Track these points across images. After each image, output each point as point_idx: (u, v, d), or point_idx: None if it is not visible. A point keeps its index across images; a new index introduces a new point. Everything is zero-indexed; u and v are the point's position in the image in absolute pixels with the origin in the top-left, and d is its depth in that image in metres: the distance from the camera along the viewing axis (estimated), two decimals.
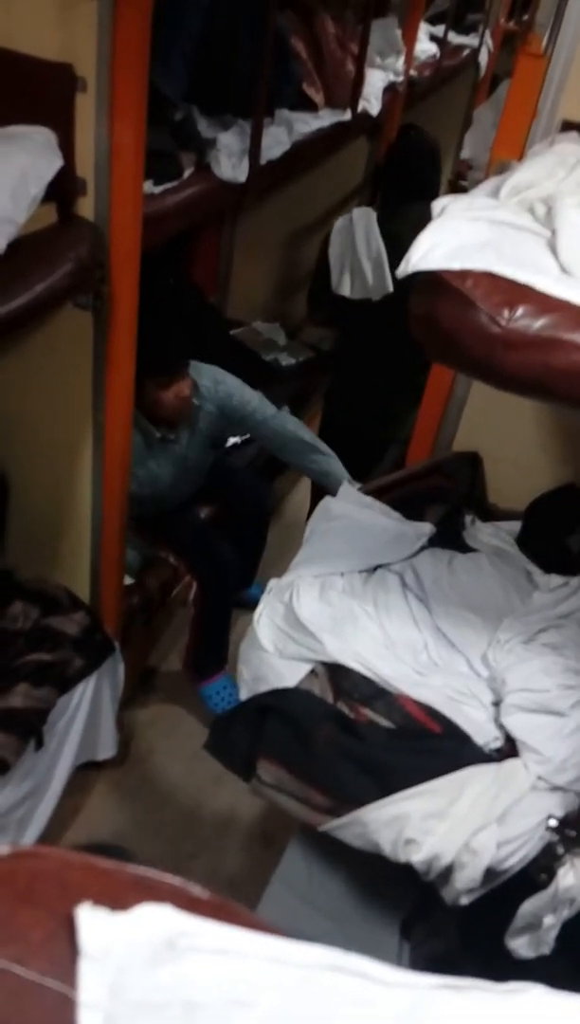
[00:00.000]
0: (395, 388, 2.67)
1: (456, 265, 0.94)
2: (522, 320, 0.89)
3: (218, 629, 2.63)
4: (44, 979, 0.31)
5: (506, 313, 0.90)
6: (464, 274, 0.93)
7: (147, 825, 2.33)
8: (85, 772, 2.24)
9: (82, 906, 0.34)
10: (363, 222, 2.61)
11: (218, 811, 2.38)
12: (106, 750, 2.22)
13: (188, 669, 2.65)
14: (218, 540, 2.63)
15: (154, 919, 0.34)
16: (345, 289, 2.68)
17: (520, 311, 0.90)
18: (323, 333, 4.01)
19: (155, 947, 0.33)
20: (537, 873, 1.24)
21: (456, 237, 0.98)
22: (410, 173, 2.67)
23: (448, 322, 0.93)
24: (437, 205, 1.09)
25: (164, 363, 2.22)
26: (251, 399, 2.43)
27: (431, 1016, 0.37)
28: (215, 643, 2.63)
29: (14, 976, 0.32)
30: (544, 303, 0.91)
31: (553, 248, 1.01)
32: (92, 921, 0.33)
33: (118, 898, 0.35)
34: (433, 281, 0.95)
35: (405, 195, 2.62)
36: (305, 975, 0.36)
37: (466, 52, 4.73)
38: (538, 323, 0.89)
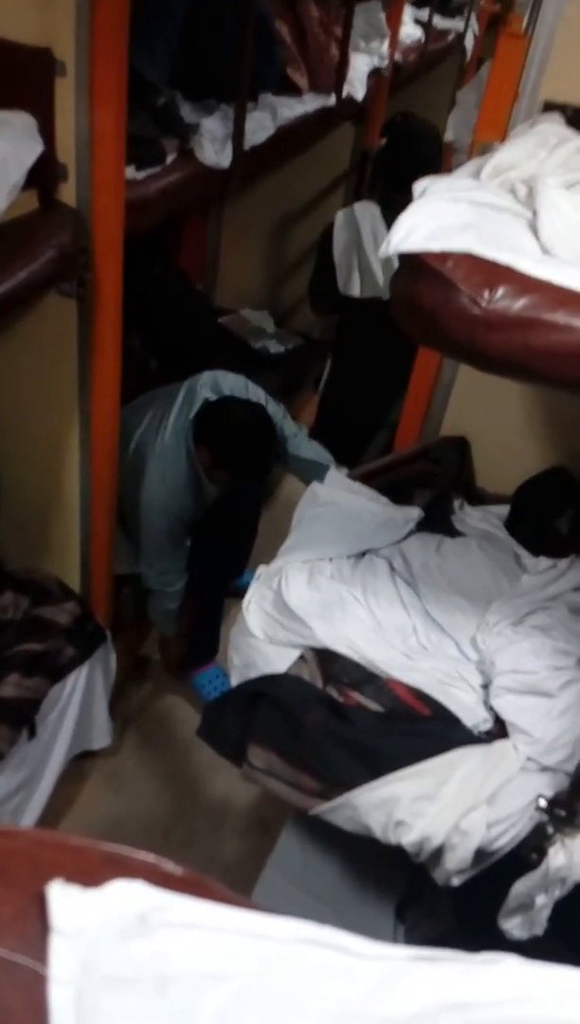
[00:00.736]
0: (398, 375, 2.65)
1: (436, 246, 0.94)
2: (502, 301, 0.89)
3: (210, 620, 2.63)
4: (14, 956, 0.31)
5: (486, 294, 0.89)
6: (444, 255, 0.93)
7: (142, 813, 2.33)
8: (79, 761, 2.24)
9: (53, 883, 0.34)
10: (368, 218, 2.54)
11: (213, 798, 2.39)
12: (100, 740, 2.22)
13: (181, 659, 2.65)
14: (209, 530, 2.63)
15: (126, 894, 0.34)
16: (354, 290, 2.59)
17: (500, 292, 0.89)
18: (313, 321, 4.00)
19: (127, 922, 0.33)
20: (528, 853, 1.25)
21: (437, 218, 0.98)
22: (413, 160, 2.53)
23: (429, 304, 0.93)
24: (418, 186, 1.09)
25: (240, 471, 2.25)
26: (275, 412, 2.39)
27: (407, 987, 0.37)
28: (207, 633, 2.63)
29: None
30: (524, 284, 0.90)
31: (534, 229, 1.01)
32: (63, 897, 0.33)
33: (91, 875, 0.35)
34: (413, 263, 0.95)
35: (409, 183, 2.53)
36: (280, 948, 0.36)
37: (452, 36, 4.71)
38: (518, 304, 0.89)
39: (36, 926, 0.32)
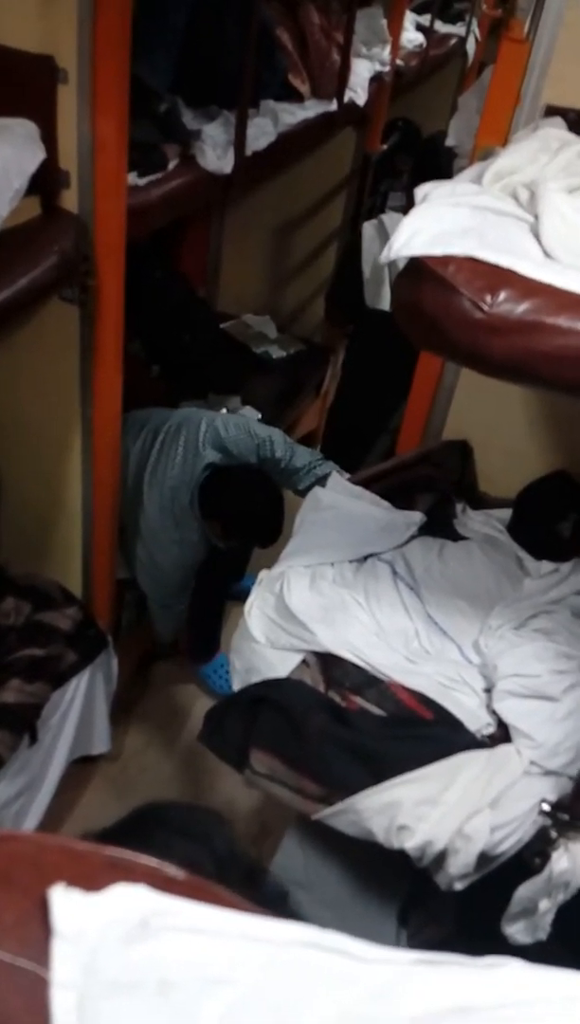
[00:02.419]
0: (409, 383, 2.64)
1: (438, 251, 0.94)
2: (505, 305, 0.89)
3: (212, 622, 2.64)
4: (17, 960, 0.32)
5: (489, 298, 0.89)
6: (446, 260, 0.93)
7: None
8: (81, 766, 2.23)
9: (56, 887, 0.34)
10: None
11: (215, 803, 2.38)
12: (101, 744, 2.21)
13: (186, 657, 2.66)
14: (216, 559, 2.63)
15: (128, 899, 0.34)
16: (383, 303, 2.53)
17: (503, 296, 0.90)
18: (315, 326, 4.00)
19: (129, 926, 0.33)
20: (531, 858, 1.24)
21: (438, 223, 0.98)
22: (442, 174, 2.57)
23: (431, 308, 0.93)
24: (419, 191, 1.09)
25: (253, 540, 2.30)
26: (284, 452, 2.36)
27: (409, 991, 0.37)
28: (210, 634, 2.66)
29: None
30: (527, 287, 0.91)
31: (536, 233, 1.01)
32: (66, 902, 0.33)
33: (93, 879, 0.35)
34: (416, 267, 0.95)
35: None
36: (281, 952, 0.36)
37: (453, 41, 4.71)
38: (521, 307, 0.89)
39: (39, 930, 0.32)
